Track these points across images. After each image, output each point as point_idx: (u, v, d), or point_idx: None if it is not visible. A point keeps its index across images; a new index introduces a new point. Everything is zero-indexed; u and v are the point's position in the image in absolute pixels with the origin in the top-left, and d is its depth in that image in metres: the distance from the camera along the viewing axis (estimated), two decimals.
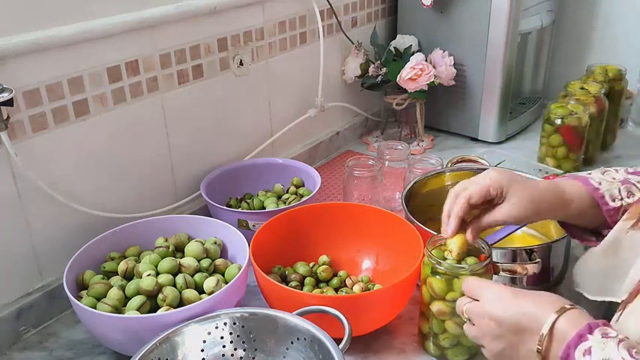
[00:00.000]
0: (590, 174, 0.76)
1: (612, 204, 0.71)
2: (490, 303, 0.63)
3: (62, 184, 0.89)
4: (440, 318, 0.78)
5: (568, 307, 0.58)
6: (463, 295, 0.70)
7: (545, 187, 0.73)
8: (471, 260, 0.75)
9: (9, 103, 0.76)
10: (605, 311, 0.70)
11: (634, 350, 0.51)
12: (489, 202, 0.73)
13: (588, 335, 0.53)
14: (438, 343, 0.80)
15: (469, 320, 0.67)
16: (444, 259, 0.75)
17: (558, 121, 1.24)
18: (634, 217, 0.69)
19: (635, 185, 0.73)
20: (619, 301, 0.63)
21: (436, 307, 0.77)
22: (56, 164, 0.89)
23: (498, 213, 0.72)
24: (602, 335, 0.53)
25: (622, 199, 0.72)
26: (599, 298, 0.70)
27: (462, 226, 0.75)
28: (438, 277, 0.75)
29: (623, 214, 0.71)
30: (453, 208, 0.74)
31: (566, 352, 0.54)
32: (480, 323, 0.64)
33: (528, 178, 0.76)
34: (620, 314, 0.60)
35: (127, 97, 0.97)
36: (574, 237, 0.79)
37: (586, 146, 1.29)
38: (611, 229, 0.71)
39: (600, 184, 0.73)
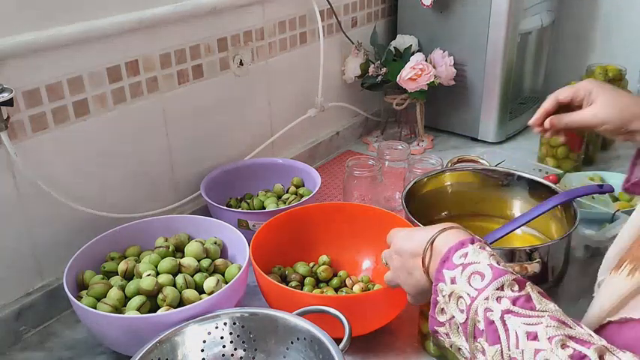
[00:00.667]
0: None
1: None
2: (397, 241, 0.69)
3: (62, 184, 0.89)
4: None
5: (448, 227, 0.63)
6: None
7: (633, 98, 0.81)
8: None
9: (9, 103, 0.76)
10: None
11: (502, 263, 0.56)
12: (578, 107, 0.83)
13: (469, 244, 0.58)
14: (438, 343, 0.80)
15: (387, 265, 0.73)
16: None
17: None
18: None
19: None
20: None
21: None
22: (56, 164, 0.89)
23: (584, 112, 0.81)
24: (480, 247, 0.58)
25: None
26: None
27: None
28: None
29: None
30: (543, 103, 0.87)
31: (447, 255, 0.59)
32: (391, 263, 0.71)
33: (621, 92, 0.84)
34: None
35: (127, 97, 0.97)
36: (631, 173, 0.85)
37: (586, 146, 1.29)
38: None
39: None
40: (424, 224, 0.90)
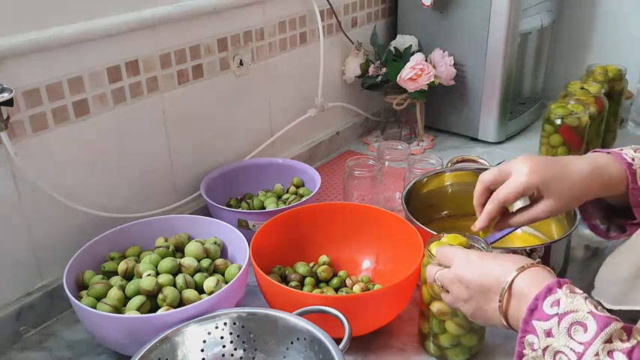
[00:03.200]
0: (622, 149, 0.74)
1: None
2: (459, 267, 0.65)
3: (62, 184, 0.89)
4: (440, 318, 0.78)
5: (528, 265, 0.59)
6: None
7: (586, 176, 0.70)
8: None
9: (9, 103, 0.76)
10: (627, 321, 0.69)
11: (599, 307, 0.52)
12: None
13: (557, 289, 0.54)
14: (438, 343, 0.80)
15: (442, 287, 0.69)
16: None
17: (558, 121, 1.24)
18: None
19: None
20: None
21: (436, 307, 0.77)
22: (56, 164, 0.89)
23: (538, 211, 0.71)
24: (570, 290, 0.54)
25: None
26: (620, 307, 0.69)
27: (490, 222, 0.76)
28: None
29: None
30: (487, 207, 0.75)
31: (535, 303, 0.55)
32: (452, 288, 0.66)
33: (567, 164, 0.72)
34: None
35: (127, 97, 0.97)
36: (586, 219, 0.78)
37: (586, 146, 1.28)
38: (633, 208, 0.70)
39: (633, 160, 0.72)
40: (424, 224, 0.91)
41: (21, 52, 0.80)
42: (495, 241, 0.81)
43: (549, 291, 0.54)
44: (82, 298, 0.83)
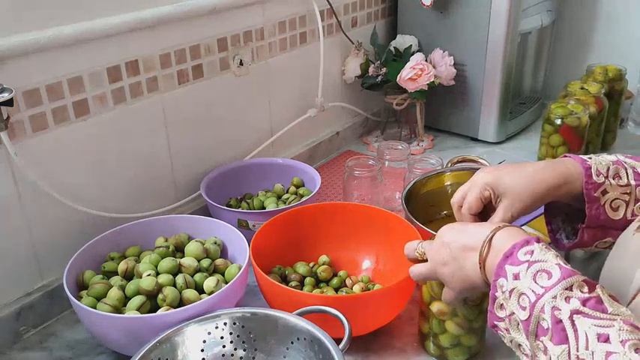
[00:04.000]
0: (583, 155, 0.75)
1: (595, 178, 0.70)
2: (443, 233, 0.68)
3: (62, 184, 0.89)
4: (440, 318, 0.78)
5: (506, 225, 0.62)
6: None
7: (539, 168, 0.73)
8: None
9: (9, 103, 0.76)
10: None
11: (568, 265, 0.55)
12: (490, 202, 0.74)
13: (534, 242, 0.57)
14: (438, 343, 0.80)
15: (422, 255, 0.71)
16: None
17: (558, 121, 1.24)
18: None
19: (625, 169, 0.72)
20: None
21: (436, 307, 0.77)
22: (56, 164, 0.89)
23: (499, 215, 0.72)
24: (546, 247, 0.57)
25: (607, 177, 0.71)
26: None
27: None
28: None
29: (602, 194, 0.71)
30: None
31: (511, 250, 0.58)
32: (433, 255, 0.68)
33: (523, 163, 0.75)
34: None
35: (127, 97, 0.97)
36: (551, 232, 0.79)
37: (586, 146, 1.29)
38: (586, 205, 0.70)
39: (590, 157, 0.73)
40: (424, 224, 0.91)
41: (21, 52, 0.80)
42: (523, 224, 0.81)
43: (526, 243, 0.58)
44: (82, 298, 0.83)
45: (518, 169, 0.74)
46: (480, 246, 0.61)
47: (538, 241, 0.58)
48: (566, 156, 0.75)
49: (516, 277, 0.55)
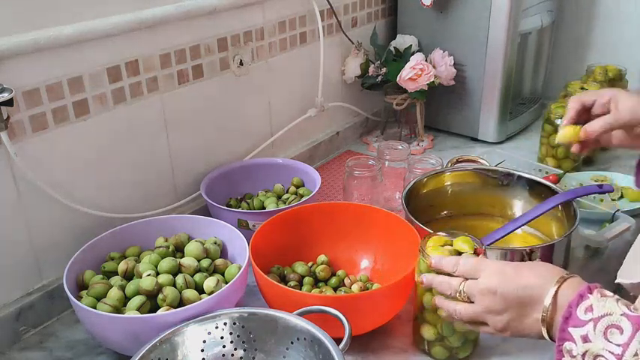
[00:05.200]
0: None
1: None
2: (493, 279, 0.64)
3: (62, 184, 0.89)
4: (451, 320, 0.77)
5: (567, 275, 0.60)
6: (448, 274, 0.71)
7: None
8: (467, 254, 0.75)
9: (9, 103, 0.76)
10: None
11: (632, 306, 0.53)
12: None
13: (588, 295, 0.55)
14: (448, 345, 0.80)
15: (466, 298, 0.68)
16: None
17: (558, 121, 1.24)
18: None
19: None
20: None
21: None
22: (56, 164, 0.89)
23: (619, 111, 0.79)
24: (601, 295, 0.55)
25: None
26: (623, 281, 0.68)
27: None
28: None
29: None
30: (569, 104, 0.86)
31: (568, 311, 0.55)
32: (482, 300, 0.65)
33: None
34: None
35: (127, 97, 0.97)
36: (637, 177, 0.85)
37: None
38: None
39: None
40: (424, 224, 0.91)
41: (21, 52, 0.80)
42: (495, 241, 0.81)
43: (581, 297, 0.55)
44: (82, 298, 0.83)
45: (633, 94, 0.82)
46: (542, 303, 0.59)
47: (591, 290, 0.55)
48: None
49: (585, 339, 0.53)
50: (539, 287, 0.60)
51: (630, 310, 0.52)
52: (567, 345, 0.55)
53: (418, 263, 0.78)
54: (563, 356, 0.55)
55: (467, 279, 0.67)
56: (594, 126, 0.82)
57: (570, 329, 0.54)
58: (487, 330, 0.67)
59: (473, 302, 0.67)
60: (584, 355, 0.53)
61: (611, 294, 0.55)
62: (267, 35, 1.20)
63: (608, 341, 0.51)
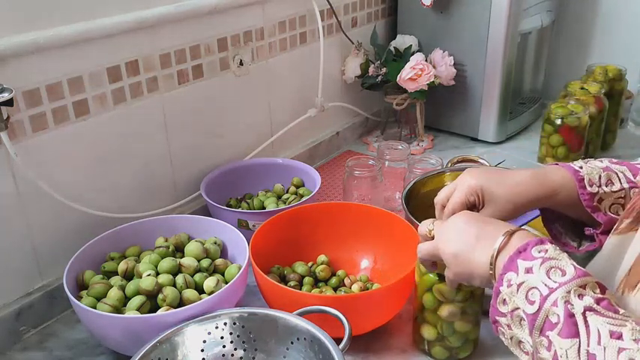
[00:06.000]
0: (572, 163, 0.75)
1: (589, 189, 0.71)
2: (462, 215, 0.67)
3: (62, 184, 0.89)
4: (451, 320, 0.77)
5: (523, 229, 0.62)
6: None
7: (526, 179, 0.73)
8: None
9: (9, 103, 0.76)
10: None
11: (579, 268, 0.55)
12: (474, 207, 0.74)
13: (548, 243, 0.57)
14: (449, 345, 0.80)
15: (429, 233, 0.70)
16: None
17: (558, 121, 1.24)
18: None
19: (616, 174, 0.73)
20: None
21: (447, 310, 0.76)
22: (56, 164, 0.89)
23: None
24: (559, 249, 0.57)
25: (600, 185, 0.71)
26: None
27: None
28: (444, 282, 0.74)
29: (599, 203, 0.71)
30: (438, 216, 0.77)
31: (524, 246, 0.57)
32: (440, 232, 0.68)
33: (509, 171, 0.76)
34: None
35: (127, 97, 0.97)
36: (555, 239, 0.79)
37: (586, 146, 1.29)
38: (592, 214, 0.71)
39: (581, 167, 0.73)
40: None
41: (21, 52, 0.80)
42: (522, 225, 0.81)
43: (541, 242, 0.57)
44: (82, 298, 0.83)
45: (504, 178, 0.73)
46: (498, 237, 0.60)
47: (552, 242, 0.57)
48: (557, 164, 0.75)
49: (528, 271, 0.55)
50: (499, 227, 0.62)
51: (578, 266, 0.55)
52: (509, 274, 0.57)
53: (418, 263, 0.78)
54: (502, 285, 0.57)
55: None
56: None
57: (519, 261, 0.56)
58: (443, 256, 0.68)
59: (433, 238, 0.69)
60: (520, 284, 0.55)
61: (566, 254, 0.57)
62: (267, 35, 1.20)
63: (548, 277, 0.54)
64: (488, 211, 0.72)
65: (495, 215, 0.71)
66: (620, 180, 0.72)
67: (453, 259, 0.65)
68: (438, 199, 0.77)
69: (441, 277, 0.74)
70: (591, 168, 0.73)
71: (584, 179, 0.71)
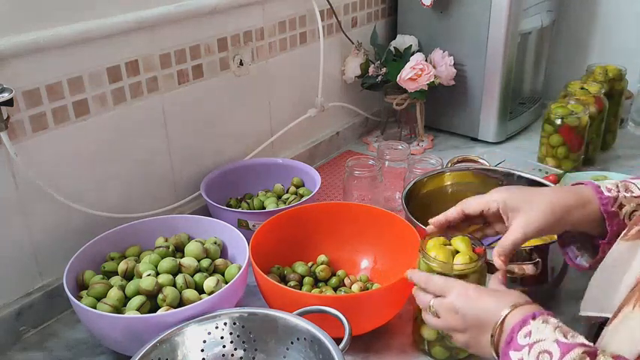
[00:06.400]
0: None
1: (607, 193, 0.70)
2: (457, 299, 0.68)
3: (62, 184, 0.89)
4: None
5: (523, 302, 0.62)
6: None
7: (558, 189, 0.74)
8: (471, 256, 0.75)
9: (9, 103, 0.76)
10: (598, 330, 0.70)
11: (569, 334, 0.56)
12: (494, 217, 0.74)
13: (530, 321, 0.58)
14: (448, 345, 0.80)
15: (435, 314, 0.71)
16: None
17: (558, 121, 1.24)
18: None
19: (634, 184, 0.72)
20: (609, 316, 0.63)
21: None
22: (56, 164, 0.89)
23: (512, 233, 0.71)
24: (543, 321, 0.58)
25: (618, 191, 0.71)
26: (587, 313, 0.69)
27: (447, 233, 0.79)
28: None
29: (619, 208, 0.70)
30: (450, 209, 0.77)
31: (510, 335, 0.59)
32: (447, 317, 0.69)
33: (537, 187, 0.75)
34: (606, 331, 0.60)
35: (127, 97, 0.97)
36: (569, 260, 0.78)
37: (586, 146, 1.29)
38: (606, 219, 0.70)
39: (597, 181, 0.73)
40: (424, 224, 0.90)
41: (21, 52, 0.80)
42: (495, 241, 0.81)
43: (524, 323, 0.59)
44: (82, 298, 0.83)
45: (535, 190, 0.73)
46: (492, 327, 0.62)
47: (535, 317, 0.58)
48: (575, 184, 0.75)
49: None
50: (494, 310, 0.63)
51: (567, 338, 0.55)
52: None
53: (418, 264, 0.78)
54: None
55: (437, 296, 0.71)
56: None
57: (511, 352, 0.58)
58: (455, 343, 0.70)
59: (439, 317, 0.71)
60: None
61: (555, 321, 0.58)
62: (267, 35, 1.20)
63: None
64: (519, 222, 0.70)
65: (529, 227, 0.70)
66: (638, 188, 0.72)
67: (466, 346, 0.68)
68: (465, 207, 0.76)
69: None
70: (605, 182, 0.73)
71: (600, 186, 0.71)
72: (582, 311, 0.70)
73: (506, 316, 0.61)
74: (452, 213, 0.77)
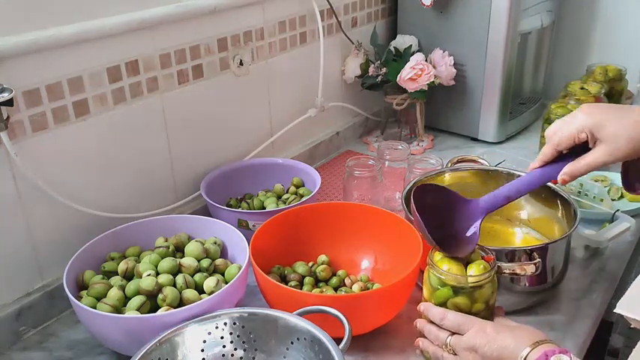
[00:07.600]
0: None
1: None
2: (476, 338, 0.68)
3: (62, 184, 0.89)
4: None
5: (542, 340, 0.64)
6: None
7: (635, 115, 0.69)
8: (484, 266, 0.74)
9: (9, 103, 0.76)
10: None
11: None
12: (584, 144, 0.72)
13: (552, 358, 0.60)
14: None
15: (451, 352, 0.72)
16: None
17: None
18: None
19: None
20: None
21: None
22: (56, 164, 0.89)
23: (592, 158, 0.70)
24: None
25: None
26: (625, 313, 0.67)
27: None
28: (460, 295, 0.74)
29: None
30: (543, 148, 0.75)
31: None
32: (465, 355, 0.70)
33: (628, 107, 0.71)
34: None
35: (127, 97, 0.97)
36: (628, 187, 0.77)
37: None
38: None
39: None
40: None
41: (21, 52, 0.80)
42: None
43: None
44: (82, 298, 0.83)
45: (622, 114, 0.69)
46: None
47: (547, 357, 0.60)
48: None
49: None
50: (514, 349, 0.64)
51: None
52: None
53: (428, 277, 0.77)
54: None
55: (453, 333, 0.71)
56: (574, 174, 0.72)
57: None
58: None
59: (456, 355, 0.71)
60: None
61: (567, 357, 0.60)
62: (267, 35, 1.20)
63: None
64: (602, 151, 0.69)
65: (612, 156, 0.68)
66: None
67: None
68: (549, 132, 0.74)
69: (456, 291, 0.74)
70: None
71: None
72: (618, 308, 0.67)
73: (528, 354, 0.62)
74: (546, 155, 0.75)
